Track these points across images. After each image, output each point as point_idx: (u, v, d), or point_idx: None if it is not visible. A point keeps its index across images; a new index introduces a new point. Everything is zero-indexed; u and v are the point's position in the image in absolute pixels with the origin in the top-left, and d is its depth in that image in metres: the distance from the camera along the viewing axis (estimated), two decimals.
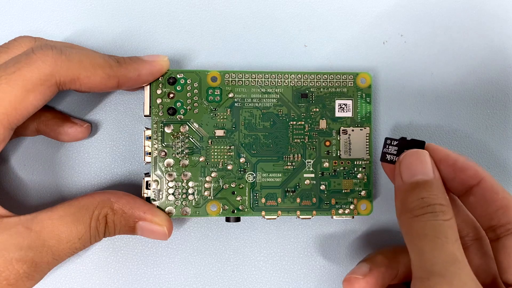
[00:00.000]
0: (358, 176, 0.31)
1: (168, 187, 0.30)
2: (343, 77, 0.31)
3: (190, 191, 0.30)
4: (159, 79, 0.30)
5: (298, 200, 0.31)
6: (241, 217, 0.31)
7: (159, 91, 0.30)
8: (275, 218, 0.30)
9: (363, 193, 0.31)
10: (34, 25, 0.32)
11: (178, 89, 0.30)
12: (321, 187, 0.31)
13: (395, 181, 0.28)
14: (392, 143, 0.29)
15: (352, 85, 0.31)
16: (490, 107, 0.34)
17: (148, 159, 0.30)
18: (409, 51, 0.34)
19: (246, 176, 0.30)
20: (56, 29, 0.32)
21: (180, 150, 0.30)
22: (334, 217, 0.31)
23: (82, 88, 0.27)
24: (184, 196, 0.30)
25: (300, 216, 0.31)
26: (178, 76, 0.30)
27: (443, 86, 0.34)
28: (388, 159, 0.29)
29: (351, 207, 0.31)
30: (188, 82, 0.30)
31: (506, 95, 0.34)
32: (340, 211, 0.31)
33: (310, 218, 0.31)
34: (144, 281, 0.32)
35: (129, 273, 0.32)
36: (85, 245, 0.27)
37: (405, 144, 0.28)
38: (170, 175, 0.30)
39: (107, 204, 0.27)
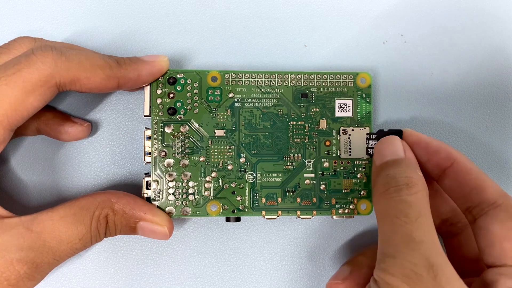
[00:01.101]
0: (358, 176, 0.31)
1: (168, 187, 0.30)
2: (343, 77, 0.31)
3: (190, 191, 0.30)
4: (159, 79, 0.30)
5: (298, 200, 0.31)
6: (241, 217, 0.31)
7: (159, 91, 0.30)
8: (275, 218, 0.30)
9: (363, 192, 0.31)
10: (34, 25, 0.32)
11: (178, 89, 0.30)
12: (321, 187, 0.31)
13: (372, 168, 0.29)
14: (372, 137, 0.30)
15: (352, 85, 0.31)
16: (490, 107, 0.34)
17: (148, 159, 0.30)
18: (409, 51, 0.34)
19: (246, 176, 0.30)
20: (56, 29, 0.32)
21: (180, 150, 0.30)
22: (334, 216, 0.31)
23: (82, 89, 0.27)
24: (184, 196, 0.30)
25: (300, 216, 0.31)
26: (178, 76, 0.30)
27: (443, 86, 0.34)
28: (371, 153, 0.30)
29: (351, 206, 0.31)
30: (188, 82, 0.30)
31: (506, 95, 0.34)
32: (340, 210, 0.31)
33: (310, 218, 0.31)
34: (144, 281, 0.32)
35: (129, 273, 0.32)
36: (86, 245, 0.27)
37: (384, 135, 0.29)
38: (170, 175, 0.30)
39: (107, 205, 0.27)
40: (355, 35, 0.34)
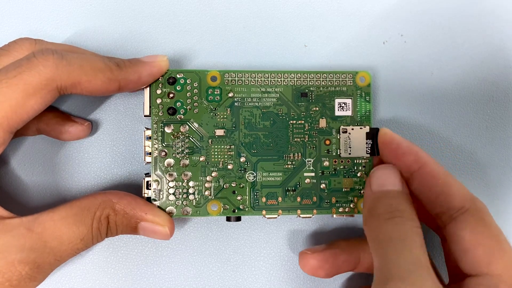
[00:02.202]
0: (358, 175, 0.31)
1: (168, 187, 0.30)
2: (342, 76, 0.31)
3: (190, 190, 0.30)
4: (159, 79, 0.30)
5: (298, 199, 0.31)
6: (242, 217, 0.31)
7: (159, 91, 0.30)
8: (275, 217, 0.31)
9: (363, 191, 0.31)
10: (34, 25, 0.32)
11: (178, 89, 0.30)
12: (321, 186, 0.31)
13: (365, 191, 0.28)
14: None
15: (352, 84, 0.31)
16: (490, 107, 0.34)
17: (148, 159, 0.30)
18: (409, 51, 0.34)
19: (247, 175, 0.30)
20: (56, 29, 0.32)
21: (180, 150, 0.30)
22: (335, 215, 0.31)
23: (83, 92, 0.27)
24: (184, 196, 0.30)
25: (301, 215, 0.31)
26: (178, 76, 0.30)
27: (443, 86, 0.34)
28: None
29: (351, 205, 0.31)
30: (188, 82, 0.30)
31: (506, 95, 0.34)
32: (341, 209, 0.31)
33: (310, 217, 0.31)
34: (144, 281, 0.32)
35: (129, 273, 0.32)
36: (87, 245, 0.27)
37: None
38: (171, 175, 0.30)
39: (108, 205, 0.27)
40: (355, 35, 0.34)
